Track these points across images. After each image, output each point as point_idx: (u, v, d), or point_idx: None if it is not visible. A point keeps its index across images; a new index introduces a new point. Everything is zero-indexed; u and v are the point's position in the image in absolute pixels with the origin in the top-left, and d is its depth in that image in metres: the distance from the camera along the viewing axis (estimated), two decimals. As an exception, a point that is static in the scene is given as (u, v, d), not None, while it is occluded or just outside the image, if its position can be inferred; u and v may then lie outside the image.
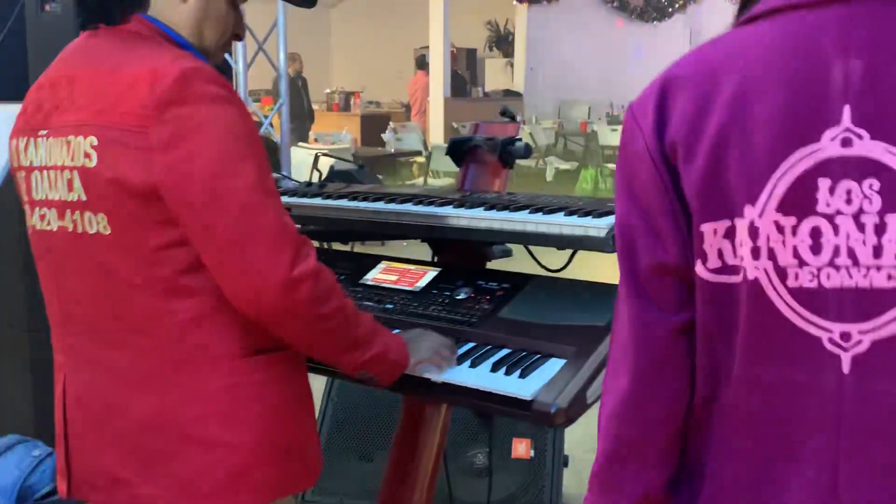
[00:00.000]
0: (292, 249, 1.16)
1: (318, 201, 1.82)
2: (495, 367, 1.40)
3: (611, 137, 10.16)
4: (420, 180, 8.42)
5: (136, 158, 1.16)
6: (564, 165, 9.67)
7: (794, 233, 0.77)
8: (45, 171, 1.28)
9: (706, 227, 0.82)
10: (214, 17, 1.31)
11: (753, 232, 0.78)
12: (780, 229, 0.77)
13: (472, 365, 1.43)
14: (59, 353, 1.36)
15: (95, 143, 1.19)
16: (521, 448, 2.53)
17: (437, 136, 10.78)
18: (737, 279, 0.81)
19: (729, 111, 0.79)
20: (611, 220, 1.44)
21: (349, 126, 11.15)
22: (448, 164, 8.25)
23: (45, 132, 1.28)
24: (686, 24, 13.66)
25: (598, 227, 1.44)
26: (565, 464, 2.64)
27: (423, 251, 1.91)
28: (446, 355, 1.43)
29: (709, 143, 0.80)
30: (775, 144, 0.77)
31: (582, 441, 2.93)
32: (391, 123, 10.28)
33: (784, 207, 0.77)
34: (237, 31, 1.39)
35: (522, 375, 1.37)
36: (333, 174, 2.27)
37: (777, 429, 0.81)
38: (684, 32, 13.62)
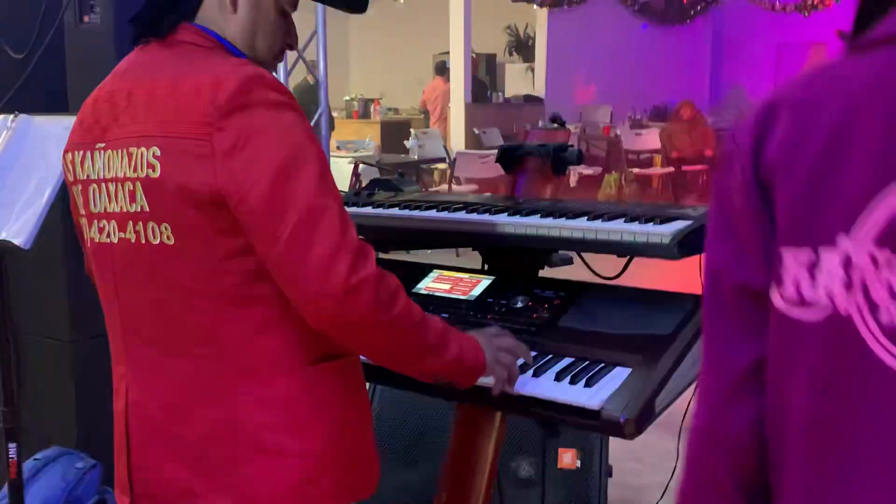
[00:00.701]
0: (351, 255, 1.15)
1: (369, 210, 1.82)
2: (559, 377, 1.40)
3: (634, 141, 10.10)
4: (443, 187, 8.41)
5: (200, 166, 1.16)
6: (587, 171, 9.66)
7: (889, 266, 0.75)
8: (103, 184, 1.27)
9: (787, 252, 0.80)
10: (265, 26, 1.31)
11: (847, 263, 0.77)
12: (875, 262, 0.75)
13: (535, 374, 1.43)
14: (121, 364, 1.35)
15: (159, 153, 1.19)
16: (568, 458, 2.51)
17: (458, 143, 10.77)
18: (812, 314, 0.79)
19: (829, 139, 0.78)
20: (674, 226, 1.44)
21: (370, 133, 11.16)
22: (471, 171, 8.26)
23: (102, 145, 1.28)
24: (708, 27, 13.62)
25: (662, 233, 1.43)
26: (609, 474, 2.61)
27: (464, 259, 1.89)
28: (520, 357, 1.41)
29: (806, 169, 0.79)
30: (875, 176, 0.76)
31: (623, 451, 2.92)
32: (412, 130, 10.29)
33: (881, 240, 0.75)
34: (289, 39, 1.38)
35: (588, 384, 1.36)
36: (374, 182, 2.26)
37: (843, 469, 0.78)
38: (706, 35, 13.58)
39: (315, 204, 1.14)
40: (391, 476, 2.59)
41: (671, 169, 9.80)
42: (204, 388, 1.25)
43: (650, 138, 10.10)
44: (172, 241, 1.21)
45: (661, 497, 2.10)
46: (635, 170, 10.06)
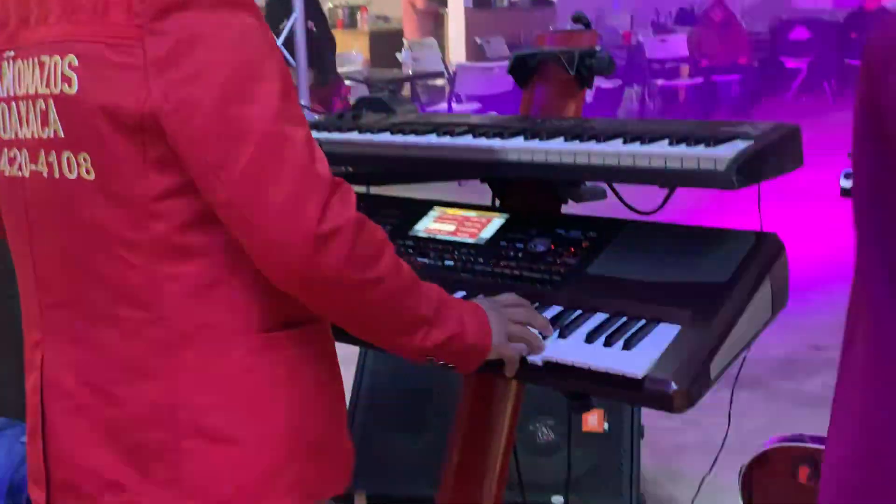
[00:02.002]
0: (323, 193, 1.10)
1: (354, 136, 1.75)
2: (591, 338, 1.34)
3: (658, 49, 9.93)
4: (442, 105, 8.28)
5: (127, 80, 1.09)
6: (605, 84, 9.51)
7: None
8: (13, 103, 1.20)
9: None
10: None
11: None
12: None
13: (562, 335, 1.37)
14: (34, 330, 1.28)
15: (76, 63, 1.12)
16: (593, 420, 2.49)
17: (459, 55, 10.57)
18: None
19: None
20: (732, 148, 1.35)
21: (357, 45, 10.93)
22: (474, 87, 8.09)
23: (12, 53, 1.19)
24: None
25: (717, 157, 1.34)
26: (641, 434, 2.60)
27: (470, 194, 1.80)
28: (538, 329, 1.35)
29: None
30: None
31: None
32: (405, 41, 10.05)
33: None
34: None
35: (626, 347, 1.30)
36: (362, 103, 2.13)
37: None
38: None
39: (275, 131, 1.08)
40: (391, 443, 2.59)
41: (700, 80, 9.69)
42: (134, 360, 1.20)
43: (676, 45, 9.97)
44: (92, 177, 1.14)
45: (712, 467, 2.02)
46: (659, 81, 9.91)
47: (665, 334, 1.31)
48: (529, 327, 1.33)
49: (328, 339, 1.28)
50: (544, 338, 1.35)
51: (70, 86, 1.12)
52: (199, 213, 1.14)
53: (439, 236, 1.65)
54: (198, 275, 1.16)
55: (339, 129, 1.79)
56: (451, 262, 1.57)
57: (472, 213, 1.68)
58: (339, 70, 7.90)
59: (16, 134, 1.20)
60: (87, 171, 1.14)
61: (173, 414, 1.19)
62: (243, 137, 1.07)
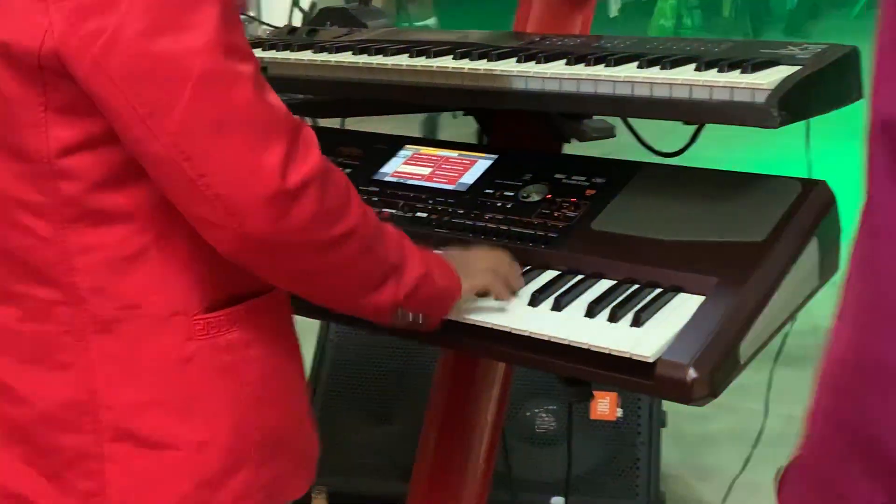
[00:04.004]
0: (283, 140, 1.10)
1: (308, 55, 1.74)
2: (592, 310, 1.34)
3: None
4: (430, 21, 8.23)
5: (20, 8, 1.09)
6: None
7: None
8: None
9: None
10: None
11: None
12: None
13: (556, 307, 1.36)
14: None
15: None
16: (604, 406, 2.48)
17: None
18: None
19: None
20: (773, 74, 1.35)
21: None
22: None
23: None
24: None
25: (756, 86, 1.32)
26: (662, 423, 2.60)
27: (457, 130, 1.82)
28: (512, 278, 1.39)
29: None
30: None
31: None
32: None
33: None
34: None
35: (636, 322, 1.30)
36: (323, 14, 2.10)
37: None
38: None
39: (217, 68, 1.08)
40: (357, 434, 2.60)
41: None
42: (42, 347, 1.21)
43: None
44: None
45: (746, 463, 2.02)
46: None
47: (684, 307, 1.30)
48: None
49: (285, 311, 1.30)
50: (541, 291, 1.38)
51: None
52: (117, 169, 1.14)
53: (411, 181, 1.66)
54: (119, 244, 1.17)
55: (290, 48, 1.79)
56: (423, 214, 1.58)
57: (452, 153, 1.69)
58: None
59: None
60: None
61: (92, 413, 1.20)
62: (177, 76, 1.06)
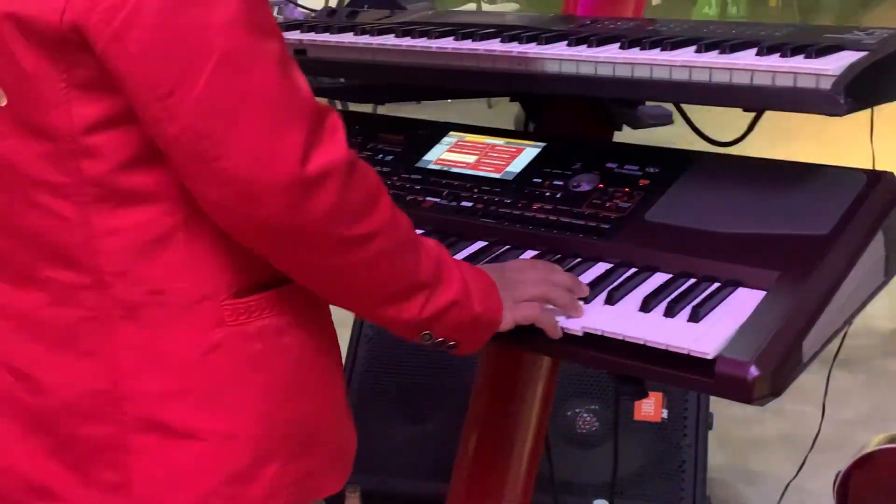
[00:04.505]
0: (306, 126, 1.10)
1: (349, 38, 1.75)
2: (647, 304, 1.33)
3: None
4: (470, 6, 8.28)
5: None
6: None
7: None
8: None
9: None
10: None
11: None
12: None
13: (609, 300, 1.36)
14: None
15: None
16: (649, 406, 2.49)
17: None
18: None
19: None
20: (839, 60, 1.34)
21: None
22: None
23: None
24: None
25: (821, 71, 1.31)
26: (709, 426, 2.60)
27: (495, 116, 1.83)
28: (568, 290, 1.35)
29: None
30: None
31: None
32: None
33: None
34: None
35: (694, 317, 1.29)
36: None
37: None
38: None
39: (237, 44, 1.07)
40: (393, 431, 2.61)
41: (796, -22, 9.61)
42: (67, 333, 1.20)
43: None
44: (3, 102, 1.15)
45: (800, 469, 2.00)
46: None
47: (744, 302, 1.30)
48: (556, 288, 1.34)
49: (320, 299, 1.29)
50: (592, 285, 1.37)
51: None
52: (143, 148, 1.13)
53: (455, 169, 1.66)
54: (144, 226, 1.17)
55: (330, 30, 1.79)
56: (468, 203, 1.58)
57: (498, 141, 1.69)
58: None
59: None
60: None
61: (116, 403, 1.20)
62: (198, 54, 1.06)
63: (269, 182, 1.09)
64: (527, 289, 1.32)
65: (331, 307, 1.32)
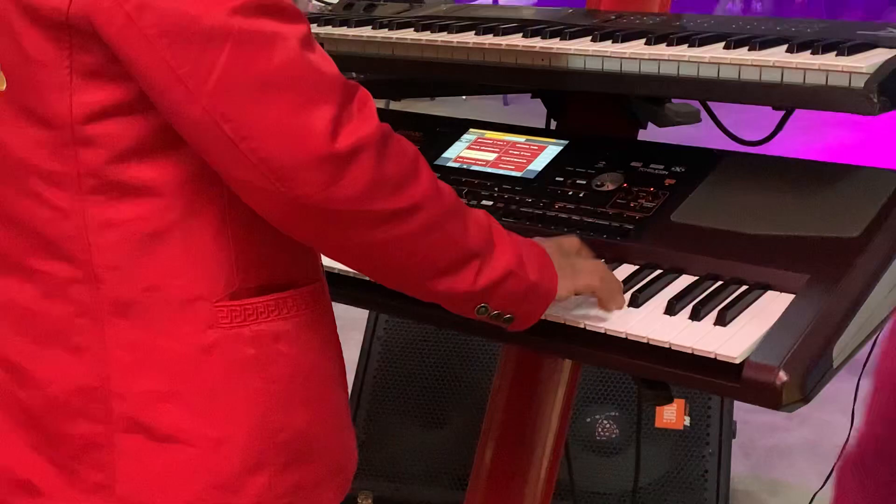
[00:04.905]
0: (334, 101, 1.10)
1: (367, 32, 1.76)
2: (672, 307, 1.33)
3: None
4: None
5: None
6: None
7: None
8: None
9: None
10: None
11: None
12: None
13: (634, 303, 1.36)
14: None
15: None
16: (670, 413, 2.49)
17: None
18: None
19: None
20: (872, 57, 1.34)
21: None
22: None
23: None
24: None
25: (853, 69, 1.31)
26: (733, 434, 2.61)
27: (518, 112, 1.82)
28: (618, 290, 1.36)
29: None
30: None
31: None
32: None
33: None
34: None
35: (720, 321, 1.29)
36: None
37: None
38: None
39: (258, 25, 1.07)
40: (406, 437, 2.61)
41: (824, -26, 9.62)
42: (57, 328, 1.21)
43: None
44: (2, 87, 1.16)
45: (827, 479, 1.99)
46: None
47: (773, 305, 1.30)
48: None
49: (323, 304, 1.29)
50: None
51: None
52: (146, 139, 1.13)
53: (475, 167, 1.66)
54: (141, 221, 1.16)
55: (347, 24, 1.80)
56: (489, 202, 1.58)
57: (519, 138, 1.69)
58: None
59: None
60: None
61: (104, 402, 1.20)
62: (216, 34, 1.06)
63: (300, 160, 1.08)
64: (584, 266, 1.33)
65: (335, 317, 1.31)
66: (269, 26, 1.08)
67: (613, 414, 2.55)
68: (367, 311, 2.69)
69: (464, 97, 4.48)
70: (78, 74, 1.11)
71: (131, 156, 1.14)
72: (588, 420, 2.55)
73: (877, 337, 1.43)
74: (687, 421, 2.50)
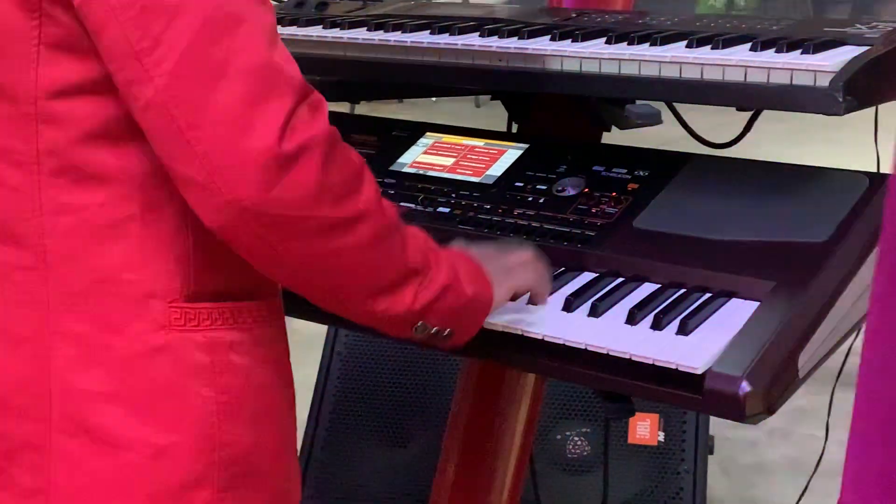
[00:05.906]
0: (287, 98, 1.10)
1: (317, 31, 1.76)
2: (634, 316, 1.35)
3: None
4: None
5: None
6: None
7: None
8: None
9: None
10: None
11: None
12: None
13: (594, 312, 1.37)
14: None
15: None
16: (644, 429, 2.49)
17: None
18: None
19: None
20: (838, 56, 1.35)
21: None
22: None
23: None
24: None
25: (818, 68, 1.33)
26: (710, 450, 2.62)
27: (482, 116, 1.83)
28: (544, 280, 1.39)
29: None
30: None
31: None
32: None
33: None
34: None
35: (683, 330, 1.30)
36: None
37: None
38: None
39: (227, 8, 1.08)
40: (367, 457, 2.61)
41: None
42: (1, 317, 1.20)
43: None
44: None
45: (802, 495, 2.01)
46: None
47: (737, 314, 1.31)
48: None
49: (279, 324, 1.29)
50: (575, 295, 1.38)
51: None
52: (112, 123, 1.14)
53: (431, 172, 1.66)
54: (99, 209, 1.16)
55: (297, 22, 1.80)
56: (445, 209, 1.58)
57: (478, 142, 1.69)
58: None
59: None
60: None
61: (43, 398, 1.19)
62: (181, 11, 1.07)
63: (242, 156, 1.08)
64: (513, 275, 1.34)
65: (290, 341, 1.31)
66: (237, 9, 1.09)
67: (585, 430, 2.54)
68: (326, 328, 2.70)
69: (433, 99, 4.48)
70: (46, 46, 1.12)
71: (95, 139, 1.15)
72: (559, 437, 2.55)
73: (851, 346, 1.45)
74: (661, 436, 2.50)
